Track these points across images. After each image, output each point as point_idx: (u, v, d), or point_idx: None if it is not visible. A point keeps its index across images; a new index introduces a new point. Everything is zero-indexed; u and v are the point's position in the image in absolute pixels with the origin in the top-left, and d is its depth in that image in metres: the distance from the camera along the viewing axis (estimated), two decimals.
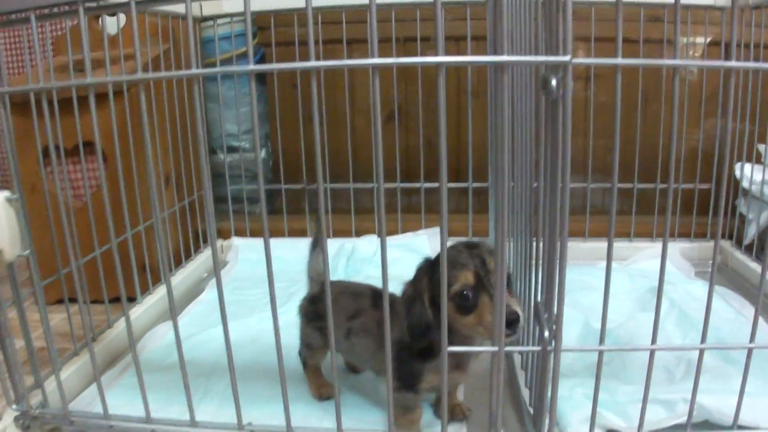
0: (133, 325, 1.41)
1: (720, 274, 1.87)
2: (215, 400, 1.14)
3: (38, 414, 0.98)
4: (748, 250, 1.82)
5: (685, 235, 1.97)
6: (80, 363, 1.20)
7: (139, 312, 1.46)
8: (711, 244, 1.94)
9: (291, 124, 2.08)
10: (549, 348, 0.79)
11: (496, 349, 0.76)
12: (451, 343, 0.80)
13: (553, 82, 0.73)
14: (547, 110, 0.78)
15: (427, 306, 0.93)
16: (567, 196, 0.75)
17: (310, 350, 1.18)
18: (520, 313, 0.84)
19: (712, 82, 1.94)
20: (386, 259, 0.78)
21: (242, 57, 2.05)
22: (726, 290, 1.63)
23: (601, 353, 0.84)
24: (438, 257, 0.87)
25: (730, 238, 1.93)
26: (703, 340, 0.88)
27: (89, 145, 1.49)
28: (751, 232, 1.82)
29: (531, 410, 1.03)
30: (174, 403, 1.09)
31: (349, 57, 2.02)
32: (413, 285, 0.96)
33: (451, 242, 0.93)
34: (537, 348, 0.80)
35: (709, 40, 1.98)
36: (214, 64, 2.03)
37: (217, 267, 0.86)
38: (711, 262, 1.85)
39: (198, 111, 0.79)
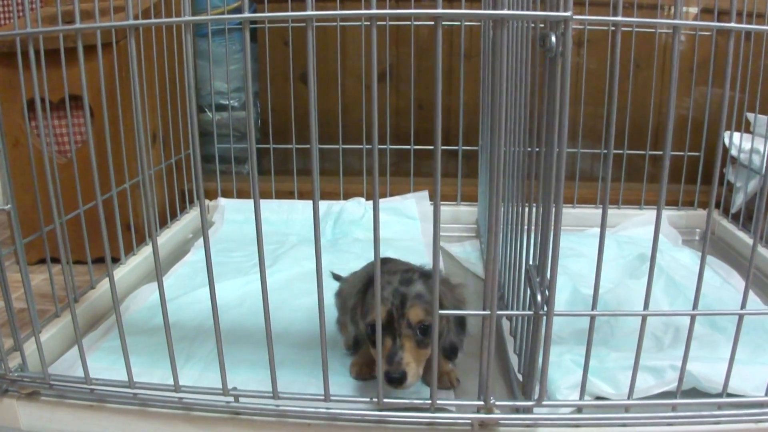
0: (117, 287, 1.40)
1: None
2: (199, 364, 1.12)
3: (16, 377, 0.96)
4: (735, 218, 1.83)
5: (672, 203, 1.96)
6: (61, 325, 1.17)
7: (122, 273, 1.44)
8: (698, 212, 1.95)
9: (281, 83, 2.04)
10: (541, 312, 0.77)
11: (488, 312, 0.75)
12: None
13: (553, 39, 0.71)
14: (545, 68, 0.76)
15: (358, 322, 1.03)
16: (563, 159, 0.73)
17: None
18: (408, 373, 0.88)
19: (702, 50, 1.93)
20: (378, 222, 0.76)
21: (234, 12, 2.00)
22: (713, 259, 1.63)
23: (593, 318, 0.83)
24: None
25: (718, 206, 1.93)
26: (695, 306, 0.87)
27: (76, 99, 1.45)
28: (738, 201, 1.82)
29: (519, 377, 1.02)
30: (157, 366, 1.07)
31: (342, 23, 1.97)
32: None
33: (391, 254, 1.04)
34: (529, 312, 0.79)
35: (701, 7, 1.97)
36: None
37: (205, 228, 0.83)
38: (698, 230, 1.90)
39: (188, 63, 0.75)
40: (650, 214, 1.91)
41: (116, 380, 0.96)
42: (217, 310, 0.88)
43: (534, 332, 0.80)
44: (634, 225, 1.87)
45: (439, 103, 0.71)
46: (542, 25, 0.81)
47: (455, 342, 1.00)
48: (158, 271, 0.88)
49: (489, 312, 0.75)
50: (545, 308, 0.78)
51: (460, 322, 1.01)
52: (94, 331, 1.25)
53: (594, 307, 0.83)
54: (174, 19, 0.73)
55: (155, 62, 1.62)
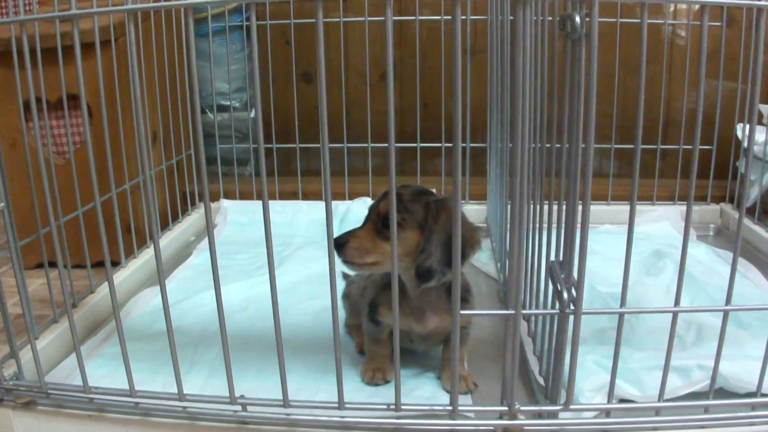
0: (117, 291, 1.35)
1: (720, 237, 1.85)
2: (204, 370, 1.07)
3: (12, 386, 0.91)
4: (750, 212, 1.78)
5: (685, 198, 1.91)
6: (60, 331, 1.12)
7: (123, 277, 1.39)
8: (711, 207, 1.91)
9: (282, 82, 2.00)
10: (567, 311, 0.73)
11: (512, 312, 0.70)
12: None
13: (577, 19, 0.66)
14: (567, 54, 0.71)
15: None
16: (591, 154, 0.69)
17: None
18: (349, 244, 0.93)
19: (711, 42, 1.88)
20: (395, 222, 0.71)
21: (234, 12, 1.96)
22: (729, 254, 1.58)
23: (621, 316, 0.78)
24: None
25: (731, 200, 1.89)
26: (728, 301, 0.83)
27: (75, 99, 1.40)
28: (753, 195, 1.77)
29: (540, 380, 0.97)
30: (159, 373, 1.03)
31: (345, 13, 1.93)
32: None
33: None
34: (555, 312, 0.74)
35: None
36: (205, 19, 1.93)
37: (210, 230, 0.79)
38: (712, 225, 1.86)
39: (189, 50, 0.71)
40: (663, 209, 1.87)
41: (117, 388, 0.91)
42: (224, 314, 0.83)
43: (559, 332, 0.75)
44: (646, 221, 1.83)
45: (459, 95, 0.66)
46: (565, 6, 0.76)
47: (432, 268, 0.91)
48: (161, 275, 0.83)
49: (513, 312, 0.70)
50: (571, 307, 0.73)
51: (449, 250, 0.88)
52: (94, 336, 1.20)
53: (623, 304, 0.78)
54: (174, 2, 0.69)
55: (155, 60, 1.58)
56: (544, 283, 0.92)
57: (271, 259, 0.77)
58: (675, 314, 0.80)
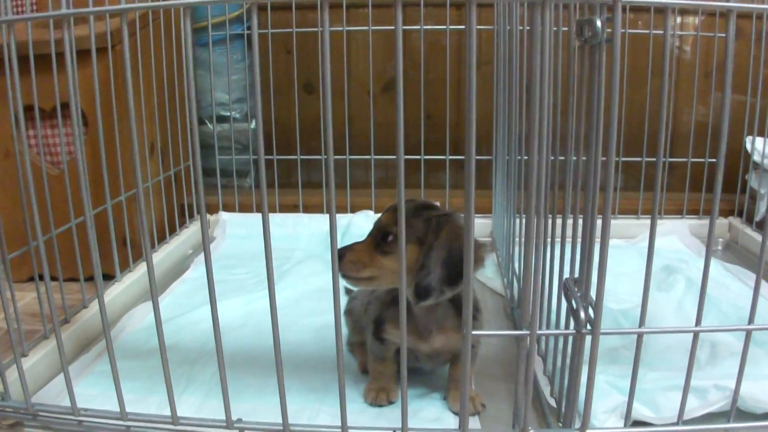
0: (111, 306, 1.32)
1: (729, 251, 1.81)
2: (200, 390, 1.03)
3: None
4: (760, 226, 1.74)
5: (693, 212, 1.89)
6: (50, 347, 1.08)
7: (117, 291, 1.35)
8: (720, 221, 1.88)
9: (284, 93, 1.97)
10: (584, 331, 0.69)
11: (526, 333, 0.66)
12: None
13: (598, 23, 0.62)
14: (585, 60, 0.68)
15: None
16: (612, 166, 0.65)
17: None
18: (346, 256, 0.90)
19: (718, 54, 1.86)
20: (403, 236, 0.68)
21: (235, 21, 1.93)
22: (740, 269, 1.55)
23: (640, 336, 0.74)
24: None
25: (740, 214, 1.85)
26: (751, 320, 0.79)
27: (69, 108, 1.37)
28: (762, 208, 1.74)
29: (551, 401, 0.93)
30: (154, 393, 0.99)
31: (348, 23, 1.90)
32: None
33: None
34: (571, 332, 0.70)
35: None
36: (205, 29, 1.91)
37: (206, 243, 0.75)
38: (720, 240, 1.82)
39: (187, 53, 0.67)
40: (671, 223, 1.84)
41: (107, 411, 0.87)
42: (220, 332, 0.79)
43: (575, 353, 0.71)
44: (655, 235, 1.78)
45: (473, 98, 0.63)
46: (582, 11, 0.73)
47: (431, 285, 0.86)
48: (153, 290, 0.79)
49: (528, 332, 0.66)
50: (588, 327, 0.69)
51: (449, 267, 0.87)
52: (87, 353, 1.16)
53: (641, 324, 0.74)
54: (171, 2, 0.65)
55: (153, 69, 1.54)
56: (556, 301, 0.87)
57: (270, 273, 0.73)
58: (696, 334, 0.76)
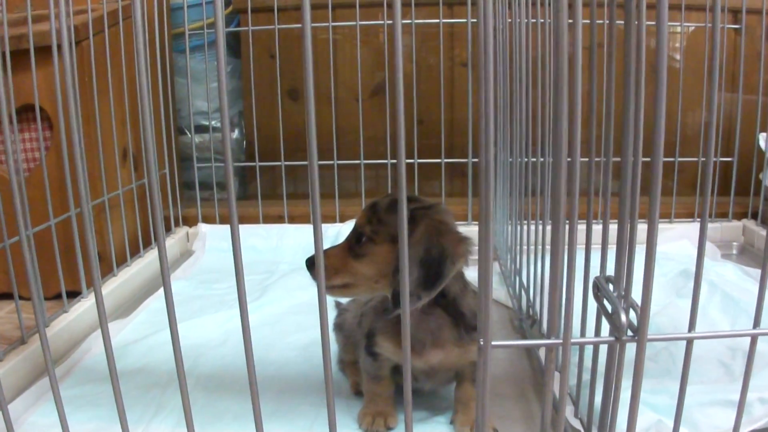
0: (77, 325, 1.19)
1: (745, 255, 1.74)
2: (172, 416, 0.90)
3: None
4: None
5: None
6: (1, 372, 0.95)
7: (83, 308, 1.22)
8: (733, 224, 1.81)
9: (267, 99, 1.87)
10: (625, 338, 0.57)
11: (558, 341, 0.54)
12: None
13: None
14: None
15: None
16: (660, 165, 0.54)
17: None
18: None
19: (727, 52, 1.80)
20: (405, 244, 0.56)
21: (213, 27, 1.82)
22: (758, 271, 1.44)
23: (690, 342, 0.63)
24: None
25: (754, 217, 1.79)
26: (757, 323, 0.68)
27: (32, 110, 1.24)
28: None
29: (575, 423, 0.81)
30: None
31: (334, 23, 1.80)
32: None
33: None
34: (608, 339, 0.58)
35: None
36: (182, 34, 1.80)
37: (165, 274, 0.63)
38: (735, 243, 1.72)
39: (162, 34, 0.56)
40: (682, 227, 1.75)
41: None
42: (182, 361, 0.66)
43: (612, 364, 0.59)
44: (667, 240, 1.70)
45: (491, 100, 0.51)
46: None
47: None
48: (101, 316, 0.66)
49: (560, 341, 0.54)
50: (629, 333, 0.57)
51: (426, 268, 0.76)
52: (45, 378, 1.02)
53: (692, 327, 0.62)
54: None
55: (124, 70, 1.42)
56: (581, 306, 0.76)
57: (242, 292, 0.61)
58: (754, 338, 0.64)
